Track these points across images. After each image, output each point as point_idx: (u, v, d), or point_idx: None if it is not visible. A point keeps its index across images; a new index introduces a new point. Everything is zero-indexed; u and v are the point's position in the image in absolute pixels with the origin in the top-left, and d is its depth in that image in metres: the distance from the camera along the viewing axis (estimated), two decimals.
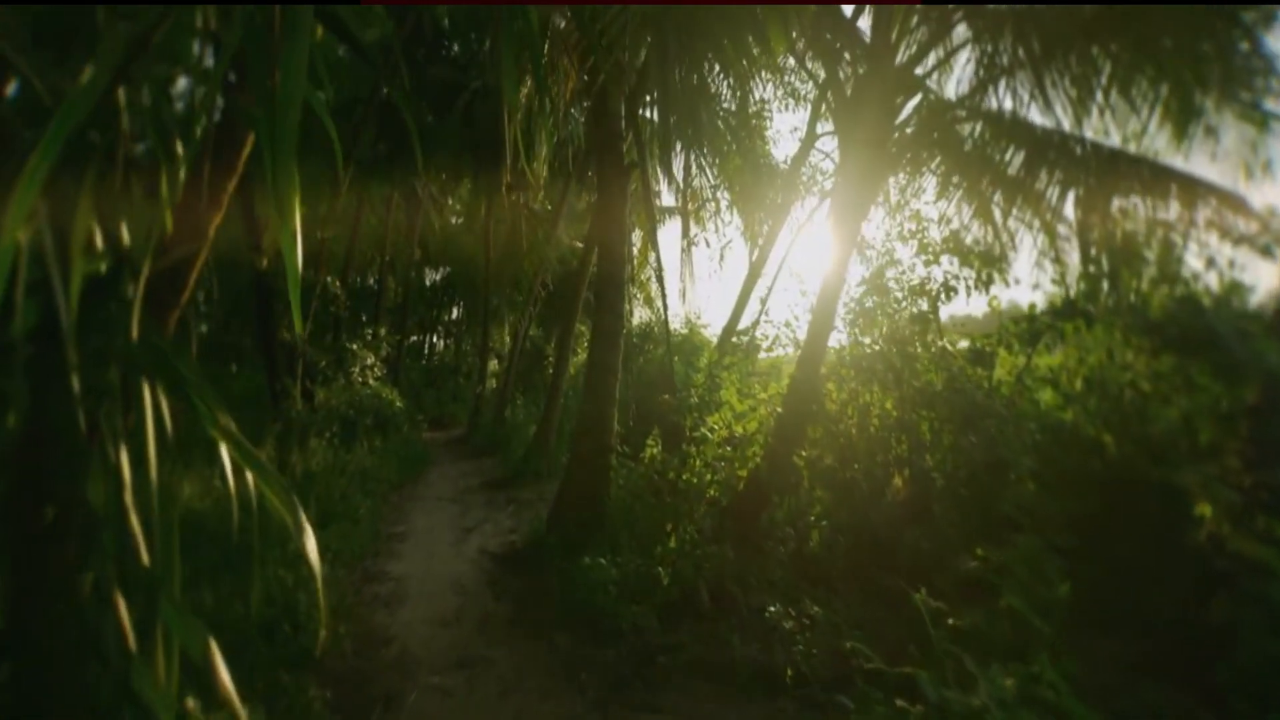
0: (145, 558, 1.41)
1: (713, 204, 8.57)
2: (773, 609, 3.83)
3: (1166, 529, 3.59)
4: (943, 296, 4.91)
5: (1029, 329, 5.51)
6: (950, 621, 3.28)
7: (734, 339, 5.68)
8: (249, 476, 1.53)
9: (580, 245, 13.00)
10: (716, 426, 5.57)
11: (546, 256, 12.04)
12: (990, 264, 5.39)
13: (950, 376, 4.87)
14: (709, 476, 4.95)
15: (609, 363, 6.36)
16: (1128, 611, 3.51)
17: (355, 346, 15.00)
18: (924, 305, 5.44)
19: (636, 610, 4.38)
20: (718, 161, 7.12)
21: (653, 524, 5.17)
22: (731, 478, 4.90)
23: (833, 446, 5.28)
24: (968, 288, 4.93)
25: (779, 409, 5.07)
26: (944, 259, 5.31)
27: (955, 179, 7.66)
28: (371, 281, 22.98)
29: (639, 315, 15.91)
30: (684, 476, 5.61)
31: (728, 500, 5.43)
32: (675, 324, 15.11)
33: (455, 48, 15.28)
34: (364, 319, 21.33)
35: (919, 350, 5.02)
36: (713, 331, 16.13)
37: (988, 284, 4.96)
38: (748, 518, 5.47)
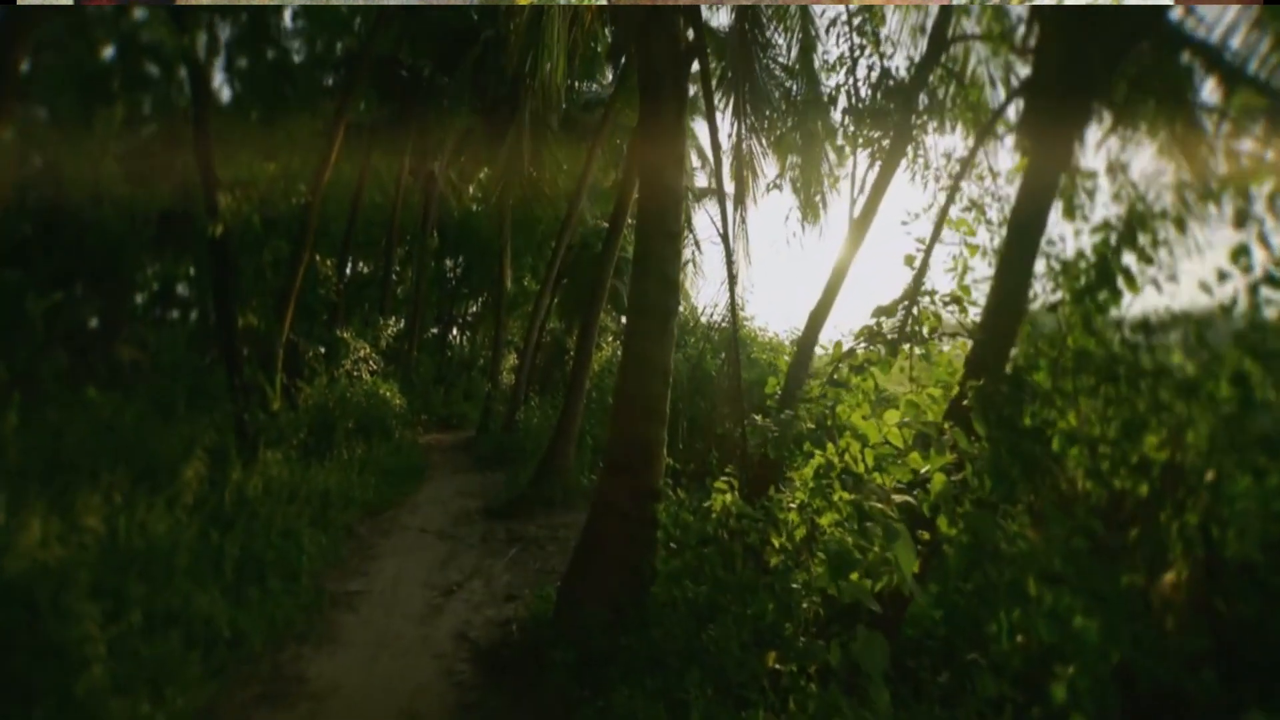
0: None
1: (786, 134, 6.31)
2: None
3: None
4: None
5: None
6: None
7: (876, 321, 3.42)
8: None
9: (605, 225, 10.92)
10: (834, 461, 3.38)
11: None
12: None
13: None
14: (860, 581, 2.73)
15: (655, 358, 4.13)
16: None
17: (348, 335, 13.00)
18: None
19: None
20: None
21: (735, 637, 3.00)
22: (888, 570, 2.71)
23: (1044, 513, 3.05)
24: None
25: (975, 440, 2.87)
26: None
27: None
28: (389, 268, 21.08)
29: None
30: (780, 545, 3.42)
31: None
32: (715, 316, 12.76)
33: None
34: (382, 309, 19.49)
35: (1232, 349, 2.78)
36: (758, 325, 13.89)
37: None
38: (891, 626, 3.25)
